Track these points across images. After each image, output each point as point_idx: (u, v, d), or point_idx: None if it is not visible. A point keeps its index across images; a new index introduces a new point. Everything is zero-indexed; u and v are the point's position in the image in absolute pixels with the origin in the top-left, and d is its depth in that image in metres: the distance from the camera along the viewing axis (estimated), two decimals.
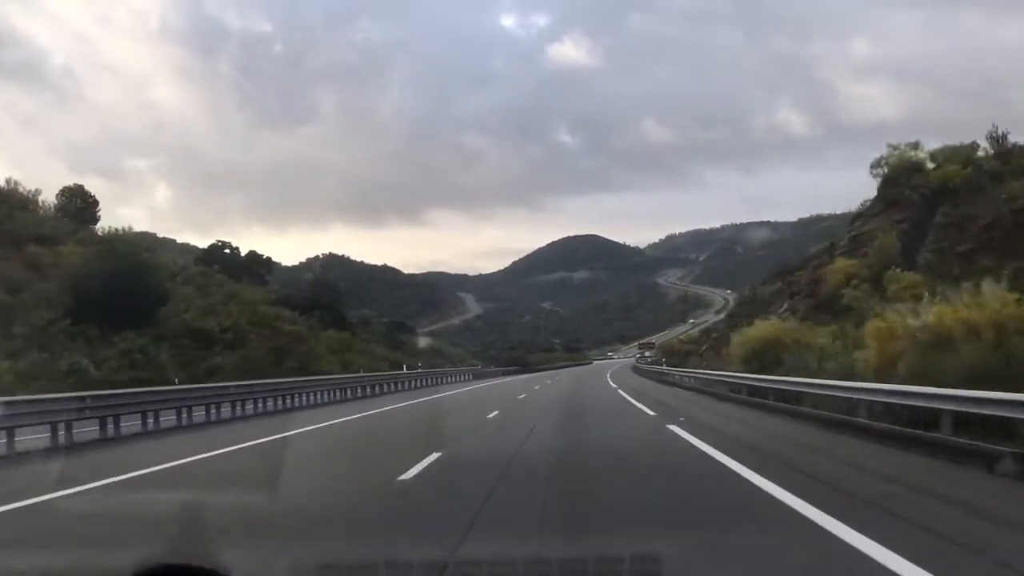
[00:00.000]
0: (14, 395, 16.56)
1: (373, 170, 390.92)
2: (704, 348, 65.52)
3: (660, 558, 4.61)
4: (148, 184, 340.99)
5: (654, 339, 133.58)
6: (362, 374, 38.95)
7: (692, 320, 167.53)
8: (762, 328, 25.55)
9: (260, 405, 22.68)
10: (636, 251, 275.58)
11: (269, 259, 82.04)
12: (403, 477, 9.46)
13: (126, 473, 10.52)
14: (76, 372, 25.38)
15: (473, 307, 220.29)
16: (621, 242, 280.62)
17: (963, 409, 10.55)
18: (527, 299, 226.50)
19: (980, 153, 39.18)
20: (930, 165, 41.44)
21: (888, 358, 15.10)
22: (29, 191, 49.82)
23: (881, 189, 43.72)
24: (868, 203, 47.34)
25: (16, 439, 12.98)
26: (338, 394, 30.19)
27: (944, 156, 40.00)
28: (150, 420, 17.32)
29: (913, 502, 7.24)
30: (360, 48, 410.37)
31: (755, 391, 20.88)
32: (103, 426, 15.65)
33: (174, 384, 24.90)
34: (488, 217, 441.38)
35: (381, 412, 23.40)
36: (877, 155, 45.20)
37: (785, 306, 41.93)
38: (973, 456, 9.31)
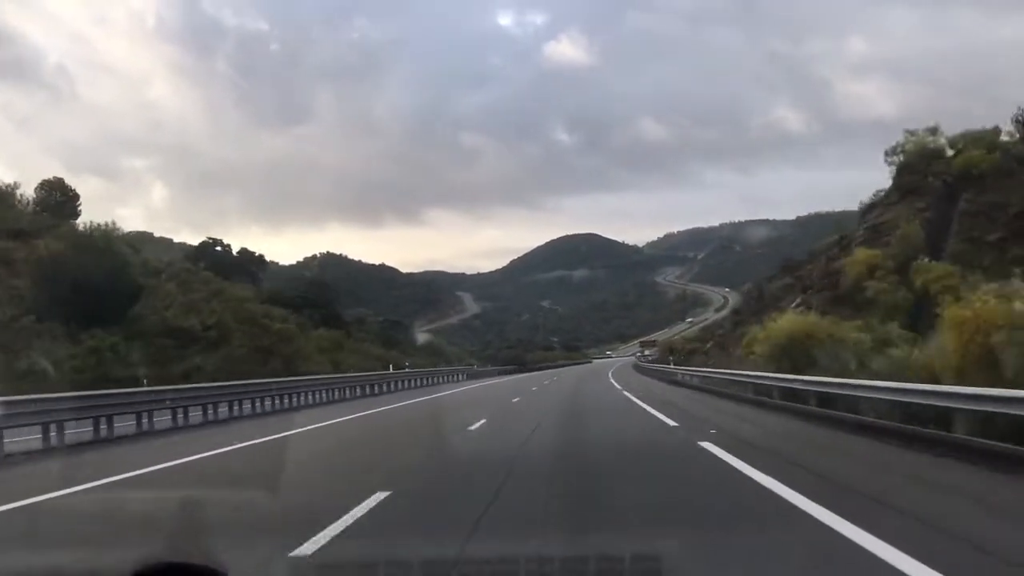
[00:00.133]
0: None
1: (371, 169, 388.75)
2: (709, 346, 63.60)
3: None
4: (145, 184, 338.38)
5: (654, 337, 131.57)
6: (335, 375, 35.60)
7: (690, 319, 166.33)
8: (788, 322, 22.87)
9: (208, 412, 19.43)
10: (635, 249, 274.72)
11: (262, 256, 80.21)
12: (299, 552, 5.56)
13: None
14: (34, 373, 23.22)
15: (471, 306, 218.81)
16: (620, 241, 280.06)
17: None
18: (526, 298, 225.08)
19: (1004, 138, 37.14)
20: (949, 152, 39.49)
21: (978, 354, 12.43)
22: (7, 184, 47.93)
23: (897, 177, 41.65)
24: (881, 193, 45.42)
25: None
26: (310, 397, 27.28)
27: (966, 141, 37.90)
28: (103, 427, 15.36)
29: None
30: (357, 46, 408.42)
31: (788, 394, 17.93)
32: (45, 433, 13.80)
33: (142, 385, 22.77)
34: (486, 216, 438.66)
35: (338, 423, 19.06)
36: (892, 143, 43.10)
37: (798, 300, 39.92)
38: None
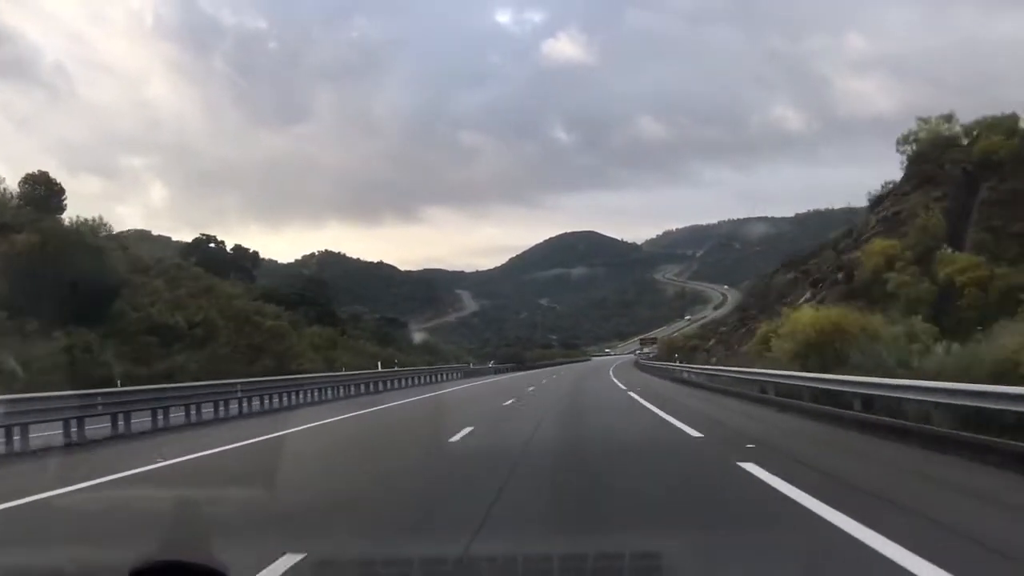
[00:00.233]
0: None
1: (369, 167, 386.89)
2: (712, 343, 62.21)
3: None
4: (143, 182, 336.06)
5: (654, 334, 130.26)
6: (308, 376, 31.55)
7: (689, 316, 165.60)
8: (812, 316, 20.85)
9: (159, 417, 17.36)
10: (633, 247, 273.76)
11: (256, 253, 78.77)
12: None
13: None
14: (1, 372, 21.69)
15: (470, 304, 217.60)
16: (618, 238, 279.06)
17: None
18: (524, 296, 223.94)
19: None
20: (964, 141, 38.05)
21: None
22: None
23: (910, 166, 40.19)
24: (890, 185, 44.01)
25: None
26: (278, 400, 24.27)
27: (982, 128, 36.42)
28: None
29: None
30: (356, 45, 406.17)
31: (824, 396, 15.62)
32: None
33: (116, 386, 21.23)
34: (485, 214, 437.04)
35: (266, 441, 14.44)
36: (906, 131, 41.58)
37: (807, 294, 38.45)
38: None
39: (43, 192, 51.59)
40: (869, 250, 30.90)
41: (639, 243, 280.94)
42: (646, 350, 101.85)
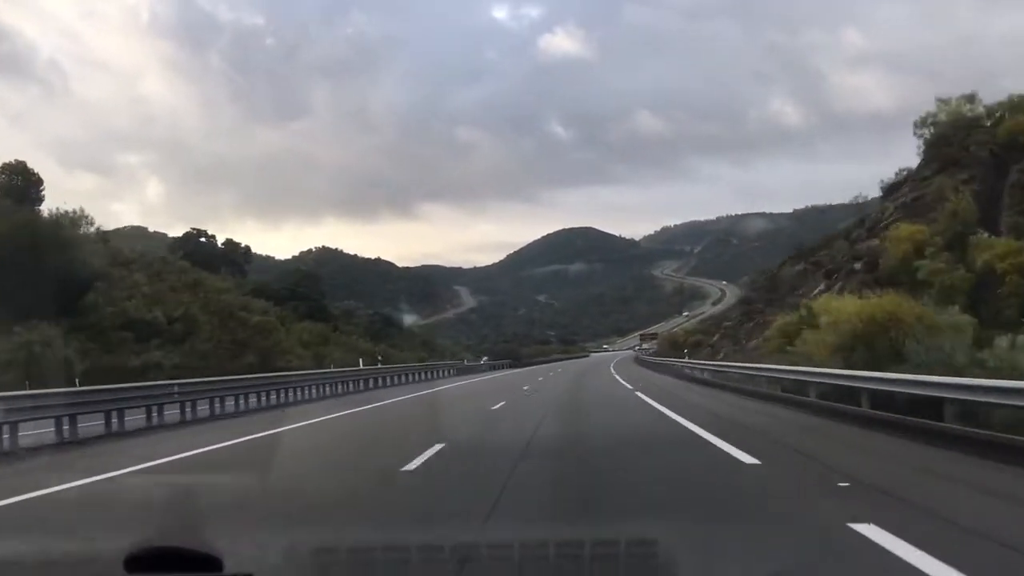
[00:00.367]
0: None
1: (366, 164, 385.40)
2: (717, 338, 60.30)
3: None
4: (139, 179, 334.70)
5: (654, 330, 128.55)
6: (274, 375, 27.27)
7: (687, 312, 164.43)
8: (857, 304, 17.84)
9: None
10: (631, 243, 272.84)
11: (248, 248, 76.75)
12: None
13: None
14: None
15: (468, 300, 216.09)
16: (616, 234, 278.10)
17: None
18: (522, 292, 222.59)
19: None
20: (986, 123, 36.10)
21: None
22: None
23: (928, 150, 38.16)
24: (904, 172, 42.13)
25: None
26: (255, 400, 21.73)
27: (1006, 108, 34.44)
28: None
29: None
30: (352, 41, 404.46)
31: (886, 400, 12.37)
32: None
33: (75, 385, 19.15)
34: (482, 211, 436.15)
35: (200, 455, 11.44)
36: (923, 113, 39.51)
37: (822, 286, 36.47)
38: None
39: (20, 182, 49.67)
40: (895, 236, 28.72)
41: (637, 239, 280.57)
42: (646, 346, 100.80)
